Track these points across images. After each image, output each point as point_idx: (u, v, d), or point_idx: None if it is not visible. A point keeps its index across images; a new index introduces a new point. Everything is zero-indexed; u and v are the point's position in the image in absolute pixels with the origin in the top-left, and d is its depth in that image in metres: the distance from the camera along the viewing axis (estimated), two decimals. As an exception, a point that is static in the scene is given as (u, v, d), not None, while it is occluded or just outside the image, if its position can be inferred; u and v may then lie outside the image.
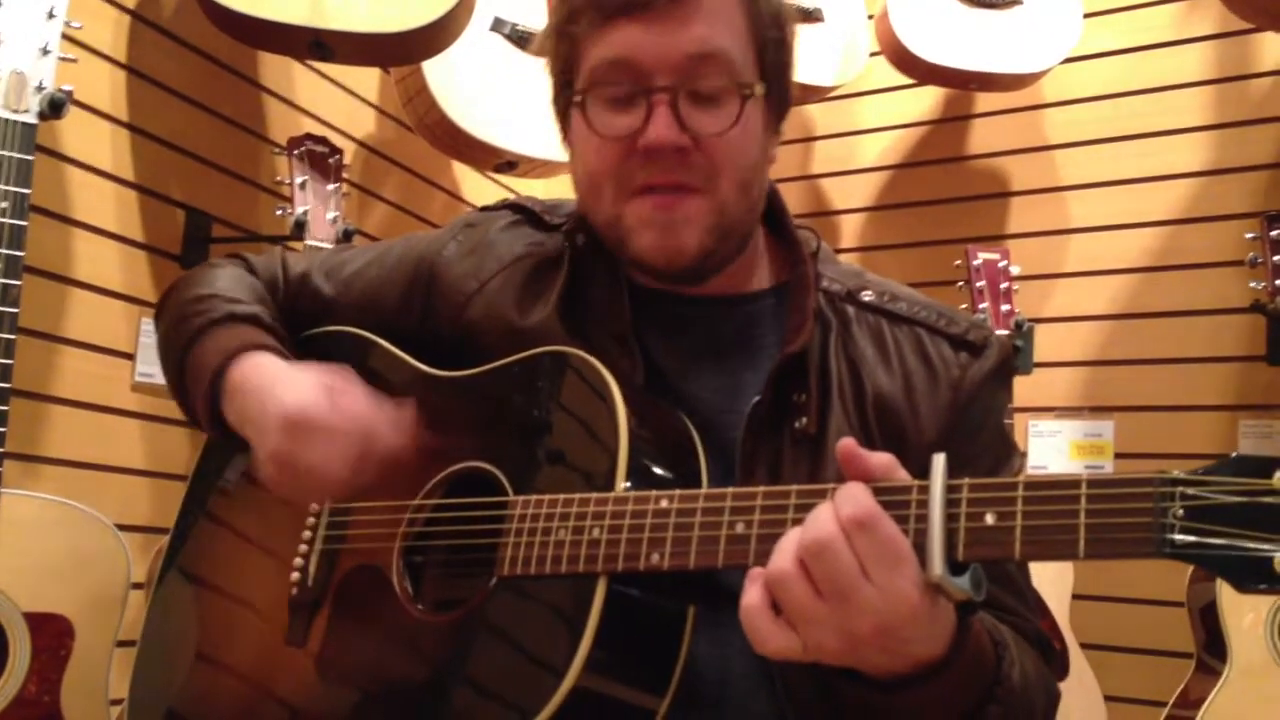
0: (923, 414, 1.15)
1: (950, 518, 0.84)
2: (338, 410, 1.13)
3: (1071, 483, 0.80)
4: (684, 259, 1.13)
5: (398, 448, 1.15)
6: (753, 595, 0.89)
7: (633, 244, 1.14)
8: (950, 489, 0.85)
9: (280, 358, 1.23)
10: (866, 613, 0.85)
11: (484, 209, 1.39)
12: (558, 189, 3.37)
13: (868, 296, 1.22)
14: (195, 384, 1.26)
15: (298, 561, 1.22)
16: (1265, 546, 0.71)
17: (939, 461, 0.86)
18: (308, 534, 1.24)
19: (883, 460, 0.91)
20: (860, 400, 1.15)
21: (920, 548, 0.85)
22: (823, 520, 0.86)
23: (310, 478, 1.13)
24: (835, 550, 0.85)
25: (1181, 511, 0.74)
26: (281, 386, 1.16)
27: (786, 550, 0.87)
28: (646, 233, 1.13)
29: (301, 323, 1.37)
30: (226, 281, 1.36)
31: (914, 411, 1.15)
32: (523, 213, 1.34)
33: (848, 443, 0.91)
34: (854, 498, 0.86)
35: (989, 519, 0.83)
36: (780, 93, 1.19)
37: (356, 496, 1.18)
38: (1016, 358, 2.76)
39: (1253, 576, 0.72)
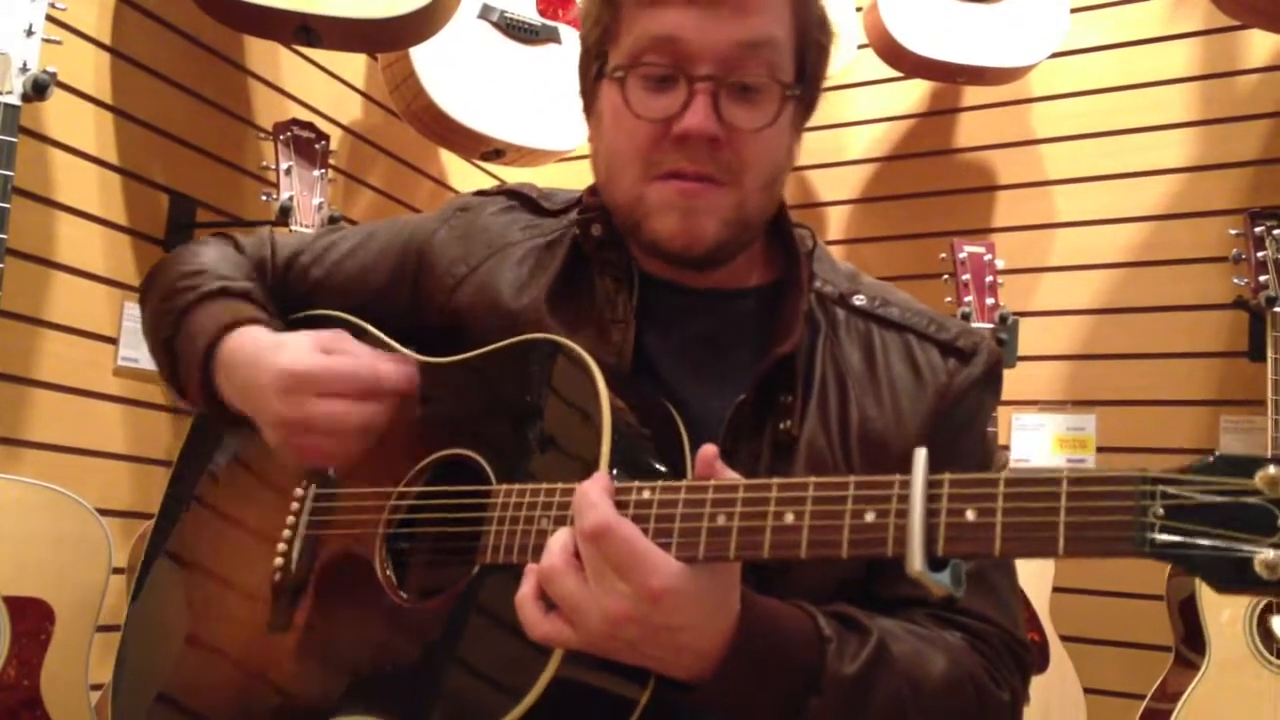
0: (908, 425, 1.15)
1: (931, 513, 0.84)
2: (336, 360, 1.12)
3: (1052, 479, 0.79)
4: (701, 246, 1.12)
5: (406, 386, 1.13)
6: (526, 587, 0.95)
7: (651, 226, 1.13)
8: (931, 484, 0.85)
9: (272, 330, 1.22)
10: (610, 589, 0.91)
11: (479, 193, 1.37)
12: (544, 177, 3.36)
13: (859, 301, 1.21)
14: (188, 359, 1.25)
15: (281, 547, 1.22)
16: (1246, 547, 0.71)
17: (920, 456, 0.86)
18: (291, 519, 1.23)
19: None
20: (844, 415, 1.15)
21: (900, 542, 0.85)
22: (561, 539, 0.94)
23: (324, 433, 1.11)
24: (565, 536, 0.93)
25: (1162, 510, 0.73)
26: (275, 352, 1.14)
27: (555, 549, 0.93)
28: (668, 216, 1.12)
29: (289, 306, 1.36)
30: (215, 257, 1.34)
31: (900, 425, 1.15)
32: (518, 199, 1.33)
33: (710, 449, 0.96)
34: (582, 487, 0.94)
35: (969, 515, 0.82)
36: (811, 97, 1.19)
37: (374, 443, 1.16)
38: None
39: (1233, 577, 0.72)
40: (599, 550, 0.91)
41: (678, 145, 1.09)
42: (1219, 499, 0.72)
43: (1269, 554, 0.69)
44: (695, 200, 1.11)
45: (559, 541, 0.94)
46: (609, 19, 1.14)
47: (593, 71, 1.18)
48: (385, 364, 1.14)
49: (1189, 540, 0.72)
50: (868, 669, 1.00)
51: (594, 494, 0.93)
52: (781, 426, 1.12)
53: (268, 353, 1.15)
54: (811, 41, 1.15)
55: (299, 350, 1.13)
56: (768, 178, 1.14)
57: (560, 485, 1.02)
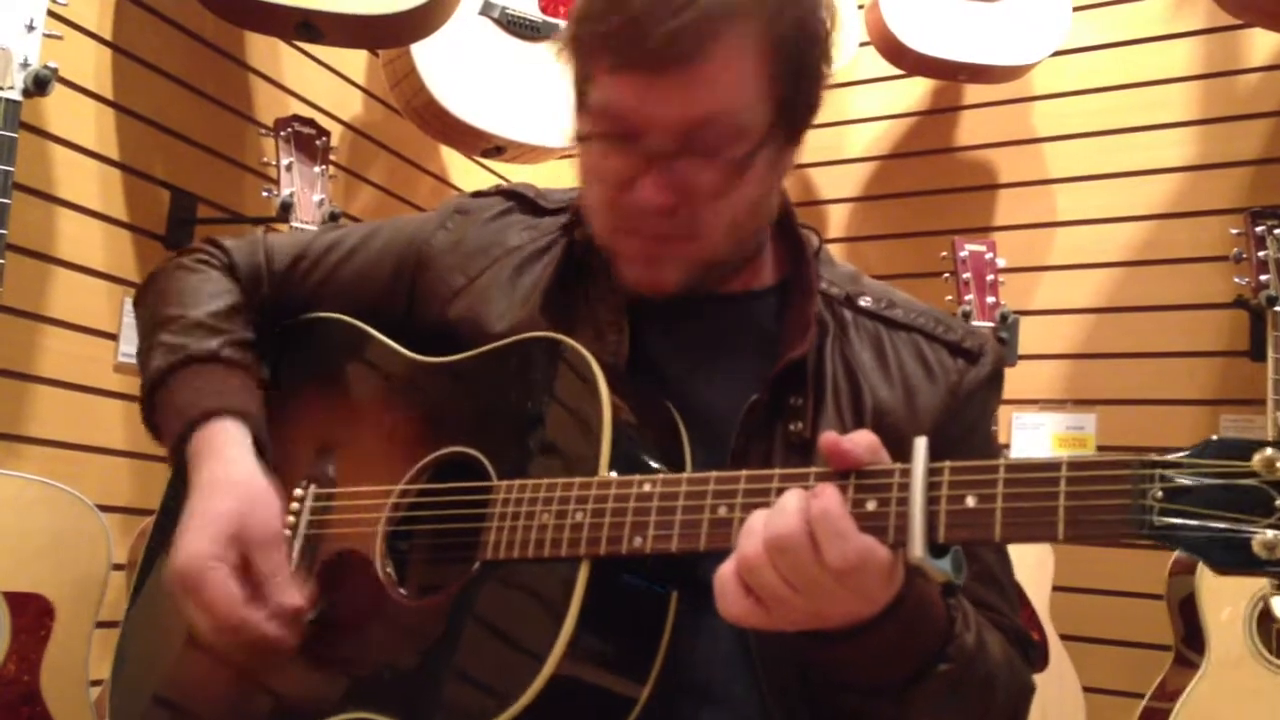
0: (922, 419, 1.15)
1: (931, 500, 0.84)
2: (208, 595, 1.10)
3: (1051, 465, 0.80)
4: (667, 289, 1.13)
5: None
6: (729, 564, 0.90)
7: (618, 269, 1.15)
8: (931, 471, 0.85)
9: (239, 423, 1.22)
10: (837, 604, 0.88)
11: (476, 194, 1.37)
12: (545, 174, 3.36)
13: (865, 302, 1.22)
14: (163, 433, 1.29)
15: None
16: (1244, 528, 0.72)
17: (920, 445, 0.86)
18: (292, 519, 1.23)
19: (865, 443, 0.91)
20: (858, 408, 1.15)
21: (901, 530, 0.85)
22: (789, 515, 0.87)
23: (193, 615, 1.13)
24: (798, 550, 0.86)
25: (1160, 493, 0.75)
26: (195, 522, 1.14)
27: (755, 535, 0.88)
28: (632, 267, 1.13)
29: (288, 309, 1.37)
30: (198, 295, 1.33)
31: (914, 416, 1.15)
32: (515, 199, 1.33)
33: (829, 436, 0.91)
34: (824, 507, 0.87)
35: (970, 501, 0.83)
36: (798, 124, 1.13)
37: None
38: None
39: (1232, 558, 0.73)
40: (830, 549, 0.86)
41: (635, 210, 1.08)
42: (1217, 481, 0.73)
43: (1267, 534, 0.70)
44: (658, 251, 1.11)
45: (758, 529, 0.89)
46: (581, 68, 1.12)
47: (576, 105, 1.16)
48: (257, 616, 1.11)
49: (1187, 522, 0.73)
50: (977, 638, 1.02)
51: (828, 490, 0.88)
52: (792, 428, 1.13)
53: (201, 506, 1.15)
54: (790, 82, 1.09)
55: (206, 535, 1.12)
56: (735, 225, 1.11)
57: (561, 480, 1.03)
